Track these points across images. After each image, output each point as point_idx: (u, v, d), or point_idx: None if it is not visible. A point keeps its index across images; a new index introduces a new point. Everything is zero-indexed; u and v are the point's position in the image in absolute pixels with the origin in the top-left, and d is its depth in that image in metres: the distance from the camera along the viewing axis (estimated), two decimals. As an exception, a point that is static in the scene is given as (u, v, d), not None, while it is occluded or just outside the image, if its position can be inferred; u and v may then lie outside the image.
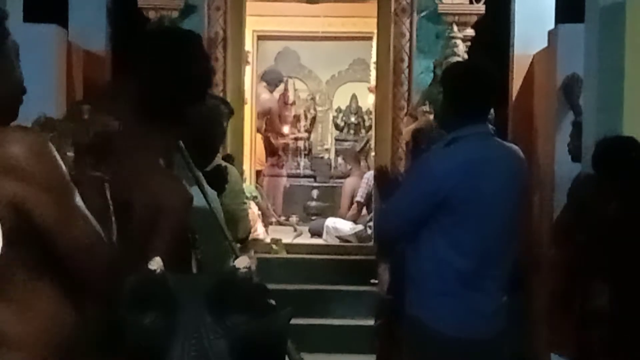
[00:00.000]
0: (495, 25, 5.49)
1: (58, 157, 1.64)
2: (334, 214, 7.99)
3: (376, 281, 5.28)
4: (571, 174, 4.05)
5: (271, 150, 9.13)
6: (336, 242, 7.09)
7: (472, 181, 2.80)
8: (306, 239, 7.42)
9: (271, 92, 9.07)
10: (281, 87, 9.53)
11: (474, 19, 5.98)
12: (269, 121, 9.27)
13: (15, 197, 1.56)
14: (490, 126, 4.15)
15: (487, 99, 3.02)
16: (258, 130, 8.97)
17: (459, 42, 5.90)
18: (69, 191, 1.65)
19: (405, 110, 6.14)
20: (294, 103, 10.69)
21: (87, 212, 1.67)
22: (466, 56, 5.81)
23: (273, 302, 2.03)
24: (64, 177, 1.64)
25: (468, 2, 5.97)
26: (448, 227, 2.81)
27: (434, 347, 2.84)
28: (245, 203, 4.21)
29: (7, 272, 1.58)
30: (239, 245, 3.82)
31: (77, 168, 1.77)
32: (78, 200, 1.66)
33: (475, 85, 2.94)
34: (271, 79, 9.01)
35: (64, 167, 1.65)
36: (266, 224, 7.65)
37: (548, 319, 4.14)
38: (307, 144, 10.48)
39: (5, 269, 1.58)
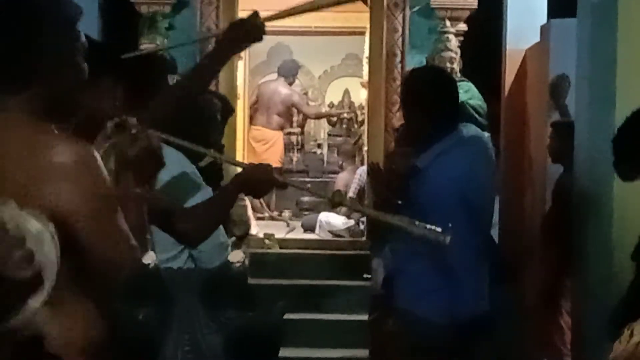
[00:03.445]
0: (488, 20, 5.50)
1: (104, 170, 1.60)
2: (327, 209, 7.99)
3: (369, 276, 5.29)
4: (562, 169, 4.06)
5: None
6: (329, 236, 7.09)
7: (461, 190, 2.86)
8: (299, 234, 7.43)
9: (290, 84, 8.99)
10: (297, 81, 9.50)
11: (467, 13, 5.99)
12: (303, 112, 9.34)
13: (54, 207, 1.53)
14: (483, 121, 4.18)
15: (453, 106, 3.06)
16: (281, 129, 8.88)
17: (451, 36, 5.91)
18: (110, 206, 1.61)
19: (397, 105, 6.14)
20: (286, 98, 10.69)
21: (126, 228, 1.63)
22: (459, 51, 5.82)
23: None
24: (106, 191, 1.60)
25: (460, -3, 5.98)
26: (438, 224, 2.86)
27: (426, 337, 2.89)
28: (243, 199, 4.20)
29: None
30: (234, 238, 3.80)
31: (118, 182, 1.73)
32: (119, 215, 1.63)
33: (446, 93, 2.99)
34: (287, 71, 8.93)
35: (108, 180, 1.61)
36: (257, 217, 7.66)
37: (536, 321, 4.16)
38: (299, 139, 10.48)
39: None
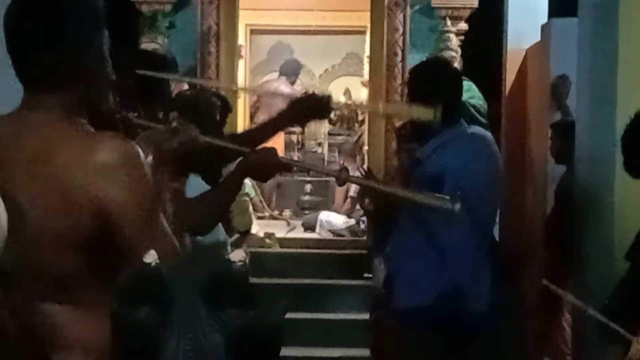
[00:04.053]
0: (488, 19, 5.50)
1: (148, 168, 1.59)
2: (327, 208, 7.99)
3: (369, 275, 5.29)
4: (563, 169, 4.05)
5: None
6: (329, 236, 7.09)
7: (458, 182, 2.85)
8: (299, 233, 7.43)
9: (292, 83, 8.96)
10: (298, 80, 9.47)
11: (467, 13, 5.99)
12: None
13: (101, 206, 1.52)
14: (484, 120, 4.17)
15: (458, 99, 3.06)
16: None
17: (452, 36, 5.91)
18: (154, 204, 1.61)
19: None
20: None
21: (167, 225, 1.63)
22: (459, 50, 5.83)
23: None
24: (152, 189, 1.60)
25: (461, -4, 6.00)
26: (437, 224, 2.86)
27: (427, 336, 2.90)
28: (246, 194, 4.17)
29: (79, 279, 1.57)
30: (236, 235, 3.78)
31: (154, 176, 1.70)
32: (161, 213, 1.63)
33: (450, 85, 2.99)
34: (289, 70, 8.89)
35: (151, 178, 1.60)
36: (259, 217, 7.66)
37: (537, 321, 4.16)
38: (300, 138, 10.47)
39: (78, 276, 1.56)
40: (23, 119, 1.61)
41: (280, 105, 9.68)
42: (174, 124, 1.80)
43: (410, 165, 3.03)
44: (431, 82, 3.00)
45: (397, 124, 5.77)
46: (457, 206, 2.29)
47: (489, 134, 3.30)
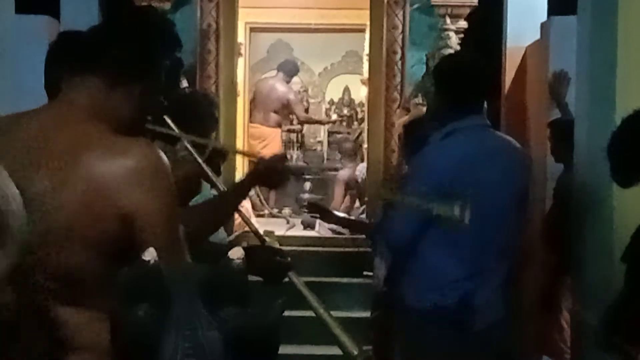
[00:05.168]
0: (488, 18, 5.50)
1: (173, 178, 1.60)
2: (327, 205, 7.99)
3: (369, 273, 5.29)
4: (562, 167, 4.05)
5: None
6: (329, 234, 7.09)
7: (470, 174, 2.80)
8: (299, 231, 7.43)
9: (287, 82, 8.97)
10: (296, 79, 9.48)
11: (467, 10, 5.98)
12: (295, 113, 9.29)
13: (127, 212, 1.52)
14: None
15: (481, 90, 3.03)
16: (279, 126, 8.85)
17: (451, 34, 5.90)
18: (178, 214, 1.62)
19: (397, 103, 6.14)
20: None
21: (183, 239, 1.64)
22: (459, 48, 5.82)
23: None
24: (175, 199, 1.61)
25: (461, -6, 5.99)
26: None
27: (429, 339, 2.87)
28: None
29: (94, 282, 1.58)
30: (233, 236, 3.76)
31: None
32: (181, 225, 1.63)
33: (469, 77, 2.95)
34: (286, 70, 8.92)
35: (175, 189, 1.61)
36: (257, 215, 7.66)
37: (536, 320, 4.16)
38: (299, 137, 10.47)
39: (94, 279, 1.57)
40: (52, 115, 1.61)
41: (275, 103, 9.76)
42: (182, 153, 1.80)
43: (419, 144, 2.98)
44: (460, 68, 2.98)
45: (397, 121, 5.78)
46: (467, 214, 2.26)
47: (514, 141, 3.19)
